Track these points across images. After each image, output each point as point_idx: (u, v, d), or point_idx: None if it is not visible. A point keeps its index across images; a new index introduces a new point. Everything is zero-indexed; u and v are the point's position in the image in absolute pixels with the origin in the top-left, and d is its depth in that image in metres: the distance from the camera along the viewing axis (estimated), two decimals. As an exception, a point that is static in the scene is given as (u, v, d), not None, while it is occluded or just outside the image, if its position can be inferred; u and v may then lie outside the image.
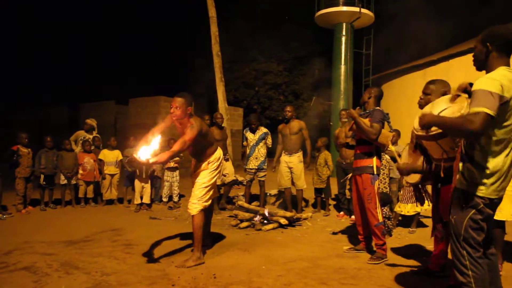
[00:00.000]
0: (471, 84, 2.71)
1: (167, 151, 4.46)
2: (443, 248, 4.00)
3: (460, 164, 2.66)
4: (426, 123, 2.80)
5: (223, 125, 8.20)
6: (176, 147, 4.31)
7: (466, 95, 2.76)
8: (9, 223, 6.69)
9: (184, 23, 24.25)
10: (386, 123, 4.79)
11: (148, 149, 4.19)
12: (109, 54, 24.81)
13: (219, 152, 4.83)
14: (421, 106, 3.88)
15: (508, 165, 2.55)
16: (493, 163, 2.52)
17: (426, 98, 3.84)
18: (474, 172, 2.56)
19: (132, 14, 25.62)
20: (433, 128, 2.91)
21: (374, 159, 4.73)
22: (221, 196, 8.11)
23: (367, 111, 4.82)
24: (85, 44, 24.84)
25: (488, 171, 2.53)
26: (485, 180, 2.54)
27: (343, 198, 7.42)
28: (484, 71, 2.68)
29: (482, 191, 2.54)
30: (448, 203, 3.65)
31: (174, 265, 4.32)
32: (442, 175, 3.24)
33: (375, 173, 4.71)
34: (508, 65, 2.59)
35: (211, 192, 4.73)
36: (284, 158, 7.52)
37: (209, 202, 4.74)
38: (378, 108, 4.80)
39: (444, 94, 3.62)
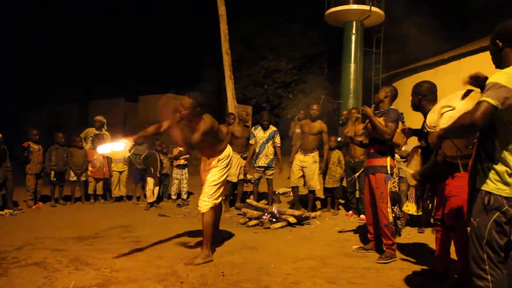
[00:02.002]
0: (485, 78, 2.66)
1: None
2: (445, 249, 3.97)
3: (479, 164, 2.56)
4: (437, 139, 2.72)
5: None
6: (192, 138, 4.35)
7: (479, 90, 2.68)
8: (20, 219, 6.75)
9: (194, 21, 24.27)
10: (400, 123, 4.76)
11: (111, 145, 4.28)
12: (119, 51, 24.92)
13: (228, 150, 4.84)
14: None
15: None
16: None
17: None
18: (496, 172, 2.45)
19: (142, 12, 25.71)
20: (447, 126, 2.83)
21: (388, 158, 4.71)
22: (234, 194, 8.13)
23: (382, 110, 4.78)
24: (96, 41, 24.97)
25: (510, 170, 2.41)
26: (509, 180, 2.41)
27: (352, 197, 7.38)
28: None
29: (506, 192, 2.41)
30: (446, 200, 3.68)
31: (182, 262, 4.33)
32: (461, 170, 3.24)
33: (388, 172, 4.69)
34: None
35: (221, 190, 4.73)
36: (299, 157, 7.46)
37: (219, 199, 4.76)
38: (392, 107, 4.77)
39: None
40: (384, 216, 4.65)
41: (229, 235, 5.65)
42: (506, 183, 2.42)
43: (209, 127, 4.41)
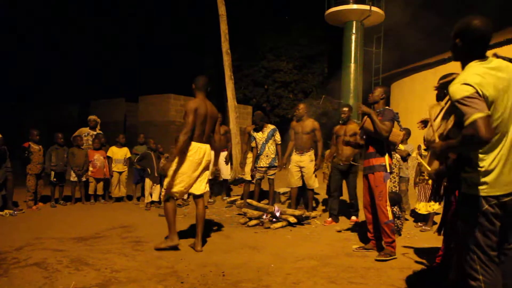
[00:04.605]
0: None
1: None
2: (448, 246, 3.97)
3: (462, 169, 2.58)
4: (440, 155, 2.73)
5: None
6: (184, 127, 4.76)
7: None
8: (20, 219, 6.74)
9: (195, 21, 24.27)
10: (396, 123, 4.80)
11: None
12: (120, 52, 24.91)
13: (196, 147, 4.85)
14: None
15: (505, 158, 2.43)
16: (489, 160, 2.42)
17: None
18: (473, 173, 2.47)
19: (142, 12, 25.69)
20: (432, 138, 2.82)
21: (387, 157, 4.76)
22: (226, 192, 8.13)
23: (377, 110, 4.82)
24: (96, 42, 24.97)
25: (483, 169, 2.43)
26: (484, 179, 2.43)
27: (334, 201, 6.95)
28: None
29: (485, 191, 2.43)
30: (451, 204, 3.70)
31: (183, 262, 4.34)
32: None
33: (388, 171, 4.73)
34: (481, 56, 2.49)
35: (176, 182, 4.87)
36: (295, 157, 7.38)
37: (176, 192, 4.93)
38: (388, 107, 4.84)
39: None
40: (383, 214, 4.68)
41: (229, 235, 5.66)
42: (483, 183, 2.44)
43: (190, 108, 4.80)
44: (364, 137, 5.00)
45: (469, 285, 2.53)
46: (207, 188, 5.24)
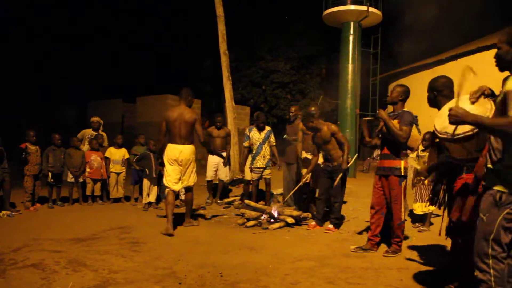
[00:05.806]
0: (491, 90, 2.74)
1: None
2: (455, 245, 3.96)
3: (490, 165, 2.60)
4: (459, 120, 2.59)
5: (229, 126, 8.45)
6: None
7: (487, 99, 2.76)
8: (18, 220, 6.72)
9: (192, 22, 24.23)
10: (414, 126, 4.76)
11: None
12: (117, 52, 24.86)
13: (167, 149, 5.95)
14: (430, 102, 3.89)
15: None
16: None
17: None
18: (507, 171, 2.49)
19: (140, 13, 25.66)
20: (460, 131, 2.82)
21: (402, 161, 4.73)
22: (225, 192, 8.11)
23: (396, 113, 4.75)
24: (93, 42, 24.91)
25: None
26: None
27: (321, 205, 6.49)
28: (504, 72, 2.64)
29: None
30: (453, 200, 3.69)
31: (181, 263, 4.33)
32: (464, 173, 3.29)
33: (402, 174, 4.72)
34: None
35: (165, 180, 6.04)
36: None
37: (170, 187, 5.98)
38: (407, 110, 4.73)
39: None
40: (397, 216, 4.75)
41: (227, 236, 5.65)
42: None
43: (162, 117, 5.96)
44: (380, 136, 4.95)
45: (477, 279, 2.56)
46: (183, 186, 6.15)
